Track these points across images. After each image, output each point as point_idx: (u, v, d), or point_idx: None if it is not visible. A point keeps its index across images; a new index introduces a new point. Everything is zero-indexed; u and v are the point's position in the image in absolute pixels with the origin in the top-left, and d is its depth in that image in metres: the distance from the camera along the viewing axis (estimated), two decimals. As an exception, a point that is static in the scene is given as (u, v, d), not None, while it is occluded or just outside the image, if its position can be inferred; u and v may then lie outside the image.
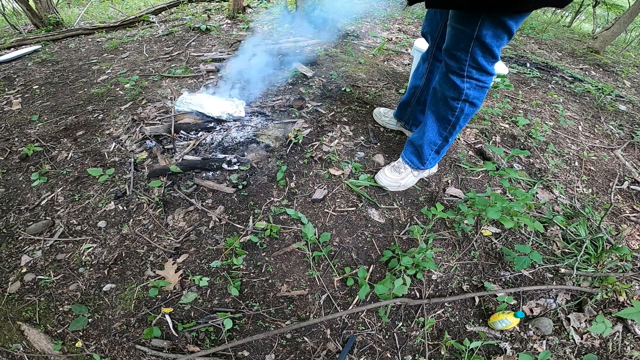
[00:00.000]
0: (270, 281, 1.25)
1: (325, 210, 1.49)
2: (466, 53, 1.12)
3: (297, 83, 2.42)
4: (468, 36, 1.08)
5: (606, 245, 1.36)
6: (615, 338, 1.16)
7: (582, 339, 1.15)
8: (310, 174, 1.65)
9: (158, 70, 2.68)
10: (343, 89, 2.35)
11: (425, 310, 1.19)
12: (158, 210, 1.47)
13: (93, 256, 1.33)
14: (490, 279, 1.28)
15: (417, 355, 1.09)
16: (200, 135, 1.88)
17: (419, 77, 1.57)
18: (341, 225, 1.43)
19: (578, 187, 1.74)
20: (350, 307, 1.18)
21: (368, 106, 2.18)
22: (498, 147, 1.93)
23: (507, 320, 1.07)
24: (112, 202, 1.51)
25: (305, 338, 1.12)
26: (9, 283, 1.25)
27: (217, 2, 4.79)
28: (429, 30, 1.40)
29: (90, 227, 1.43)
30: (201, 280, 1.21)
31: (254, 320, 1.15)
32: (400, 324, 1.16)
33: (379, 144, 1.86)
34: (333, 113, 2.08)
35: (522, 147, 1.97)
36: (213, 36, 3.42)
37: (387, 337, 1.13)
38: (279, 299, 1.20)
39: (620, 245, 1.30)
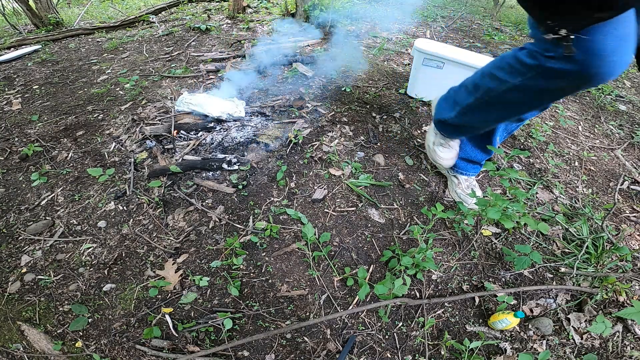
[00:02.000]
0: (270, 281, 1.25)
1: (325, 210, 1.49)
2: None
3: (297, 83, 2.43)
4: None
5: (607, 245, 1.36)
6: (615, 338, 1.15)
7: (582, 339, 1.15)
8: (310, 174, 1.65)
9: (158, 70, 2.68)
10: (343, 89, 2.35)
11: (425, 310, 1.19)
12: (158, 210, 1.47)
13: (93, 256, 1.33)
14: (490, 279, 1.28)
15: (417, 355, 1.09)
16: (200, 135, 1.88)
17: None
18: (341, 225, 1.43)
19: (578, 187, 1.74)
20: (350, 307, 1.18)
21: (368, 106, 2.18)
22: (498, 147, 1.93)
23: (507, 320, 1.07)
24: (112, 202, 1.51)
25: (305, 338, 1.12)
26: (9, 283, 1.25)
27: (217, 2, 4.79)
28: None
29: (90, 227, 1.43)
30: (201, 280, 1.21)
31: (254, 320, 1.15)
32: (400, 324, 1.16)
33: (379, 144, 1.86)
34: (333, 113, 2.08)
35: (522, 147, 1.97)
36: (213, 36, 3.42)
37: (387, 337, 1.13)
38: (279, 299, 1.20)
39: (621, 245, 1.30)
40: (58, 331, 1.12)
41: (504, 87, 1.06)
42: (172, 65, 2.75)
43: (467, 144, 1.41)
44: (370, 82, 2.52)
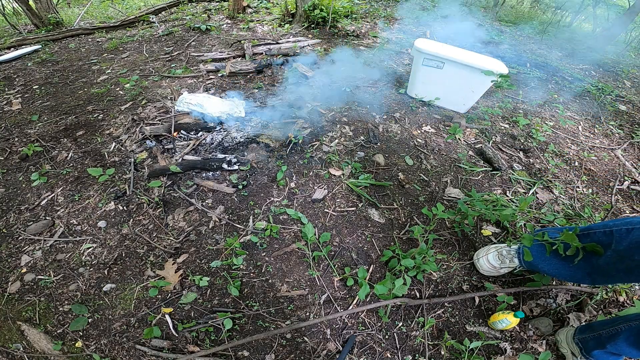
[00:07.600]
0: (270, 281, 1.25)
1: (325, 210, 1.48)
2: None
3: (297, 83, 2.43)
4: None
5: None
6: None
7: (582, 339, 1.14)
8: (310, 174, 1.65)
9: (158, 70, 2.68)
10: (343, 89, 2.35)
11: (425, 310, 1.19)
12: (158, 210, 1.47)
13: (93, 256, 1.33)
14: (490, 279, 1.28)
15: (417, 355, 1.09)
16: (200, 135, 1.88)
17: None
18: (341, 225, 1.43)
19: (578, 187, 1.74)
20: (350, 307, 1.18)
21: (368, 106, 2.18)
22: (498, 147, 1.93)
23: (507, 320, 1.07)
24: (112, 202, 1.51)
25: (305, 338, 1.12)
26: (9, 283, 1.25)
27: (217, 2, 4.79)
28: None
29: (90, 227, 1.43)
30: (201, 280, 1.21)
31: (254, 320, 1.15)
32: (400, 324, 1.16)
33: (379, 144, 1.86)
34: (333, 113, 2.08)
35: (522, 147, 1.97)
36: (213, 36, 3.42)
37: (387, 337, 1.13)
38: (279, 299, 1.20)
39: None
40: (58, 331, 1.12)
41: None
42: (172, 65, 2.75)
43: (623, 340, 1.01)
44: (370, 82, 2.52)
